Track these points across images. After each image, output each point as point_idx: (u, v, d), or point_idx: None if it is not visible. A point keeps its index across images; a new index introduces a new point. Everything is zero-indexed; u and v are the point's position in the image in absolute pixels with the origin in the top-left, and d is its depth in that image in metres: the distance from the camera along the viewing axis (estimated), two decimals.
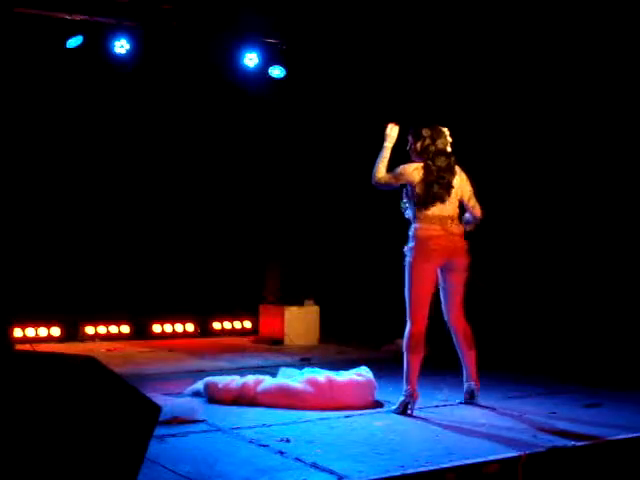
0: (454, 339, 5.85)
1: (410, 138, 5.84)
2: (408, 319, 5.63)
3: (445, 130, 5.83)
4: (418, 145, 5.75)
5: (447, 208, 5.69)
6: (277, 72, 9.41)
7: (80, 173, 9.02)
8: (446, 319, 5.83)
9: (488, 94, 8.98)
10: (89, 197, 9.08)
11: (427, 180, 5.64)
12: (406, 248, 5.66)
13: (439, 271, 5.71)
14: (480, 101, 9.02)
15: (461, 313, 5.82)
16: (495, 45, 8.80)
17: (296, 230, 9.78)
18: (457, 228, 5.73)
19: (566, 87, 8.56)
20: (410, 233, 5.68)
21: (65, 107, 8.86)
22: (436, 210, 5.65)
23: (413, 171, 5.69)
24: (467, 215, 5.89)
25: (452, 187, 5.70)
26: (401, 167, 5.75)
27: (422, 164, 5.70)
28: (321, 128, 9.89)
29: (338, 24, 9.16)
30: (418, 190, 5.65)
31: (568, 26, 8.41)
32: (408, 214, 5.77)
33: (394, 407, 5.61)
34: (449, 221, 5.68)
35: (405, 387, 5.58)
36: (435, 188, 5.64)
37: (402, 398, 5.57)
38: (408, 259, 5.63)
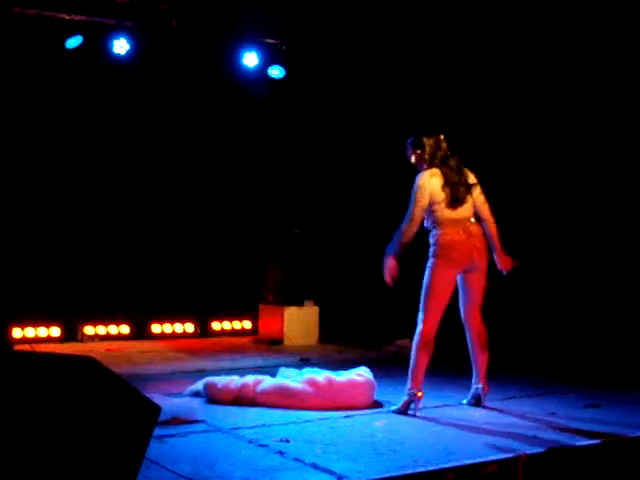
0: (468, 339, 5.81)
1: (412, 151, 5.78)
2: (420, 321, 5.59)
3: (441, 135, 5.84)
4: (426, 154, 5.70)
5: (465, 209, 5.66)
6: (276, 72, 9.41)
7: (80, 173, 9.00)
8: (462, 318, 5.78)
9: (490, 92, 8.98)
10: (89, 197, 9.06)
11: (451, 183, 5.60)
12: (430, 252, 5.61)
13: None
14: (483, 100, 9.03)
15: (479, 314, 5.76)
16: (496, 44, 8.80)
17: (296, 230, 9.77)
18: (476, 228, 5.67)
19: (568, 85, 8.58)
20: (432, 239, 5.62)
21: (65, 107, 8.85)
22: (457, 213, 5.61)
23: (431, 178, 5.63)
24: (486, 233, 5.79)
25: (471, 186, 5.70)
26: (418, 182, 5.62)
27: (437, 170, 5.64)
28: (321, 128, 9.89)
29: (338, 24, 9.16)
30: (441, 195, 5.59)
31: (566, 25, 8.42)
32: (427, 223, 5.68)
33: (395, 407, 5.61)
34: (468, 222, 5.64)
35: (409, 386, 5.57)
36: (460, 192, 5.62)
37: (406, 397, 5.57)
38: (430, 264, 5.58)
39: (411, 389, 5.56)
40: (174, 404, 5.24)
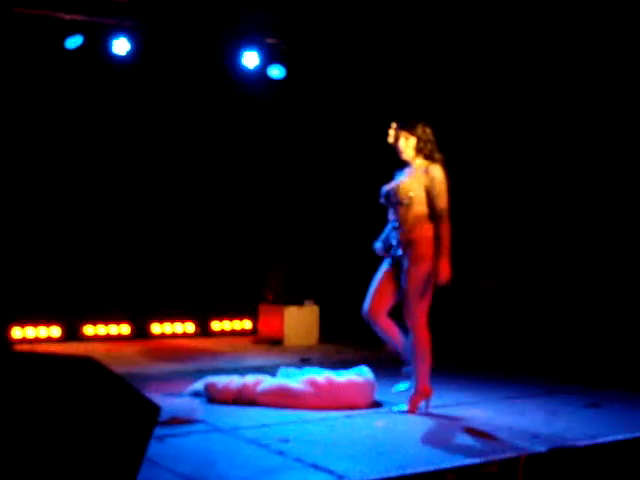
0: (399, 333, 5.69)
1: (406, 134, 5.57)
2: (416, 326, 5.53)
3: None
4: (422, 143, 5.55)
5: None
6: (276, 72, 9.40)
7: (80, 173, 9.00)
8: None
9: (487, 94, 8.99)
10: (89, 197, 9.06)
11: (448, 181, 5.56)
12: (421, 250, 5.47)
13: (395, 270, 5.60)
14: (480, 100, 9.04)
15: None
16: (494, 47, 8.81)
17: (296, 230, 9.77)
18: None
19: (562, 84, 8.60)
20: (423, 234, 5.47)
21: (65, 107, 8.84)
22: None
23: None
24: None
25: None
26: (442, 175, 5.50)
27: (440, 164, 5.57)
28: (321, 128, 9.89)
29: (338, 24, 9.16)
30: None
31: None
32: (417, 214, 5.50)
33: (398, 407, 5.59)
34: None
35: (418, 385, 5.57)
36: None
37: (414, 397, 5.56)
38: (420, 263, 5.47)
39: (421, 388, 5.56)
40: (174, 404, 5.25)
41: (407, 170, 5.64)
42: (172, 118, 9.42)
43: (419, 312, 5.53)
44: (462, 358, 7.98)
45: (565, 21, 8.39)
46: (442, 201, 5.46)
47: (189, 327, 9.61)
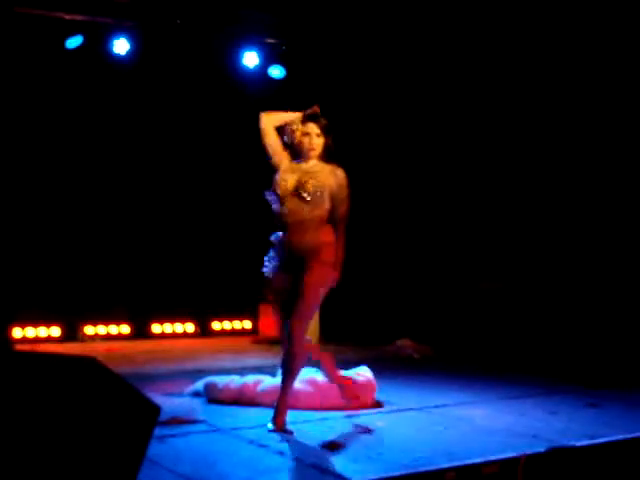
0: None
1: (325, 137, 5.26)
2: (302, 338, 5.20)
3: None
4: (330, 142, 5.28)
5: None
6: (277, 72, 9.41)
7: (80, 173, 9.00)
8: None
9: (488, 95, 9.00)
10: (89, 197, 9.06)
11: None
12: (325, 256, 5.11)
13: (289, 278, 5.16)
14: (482, 101, 9.05)
15: None
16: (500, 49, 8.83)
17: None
18: None
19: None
20: (330, 238, 5.16)
21: (65, 107, 8.85)
22: None
23: None
24: None
25: None
26: (346, 182, 5.24)
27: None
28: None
29: (338, 24, 9.16)
30: None
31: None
32: (323, 212, 5.14)
33: (270, 425, 5.07)
34: None
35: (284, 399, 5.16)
36: None
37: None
38: (325, 270, 5.11)
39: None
40: (174, 404, 5.25)
41: (302, 168, 5.23)
42: (172, 118, 9.42)
43: (306, 323, 5.19)
44: (463, 358, 7.99)
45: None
46: (345, 207, 5.19)
47: (189, 327, 9.61)
